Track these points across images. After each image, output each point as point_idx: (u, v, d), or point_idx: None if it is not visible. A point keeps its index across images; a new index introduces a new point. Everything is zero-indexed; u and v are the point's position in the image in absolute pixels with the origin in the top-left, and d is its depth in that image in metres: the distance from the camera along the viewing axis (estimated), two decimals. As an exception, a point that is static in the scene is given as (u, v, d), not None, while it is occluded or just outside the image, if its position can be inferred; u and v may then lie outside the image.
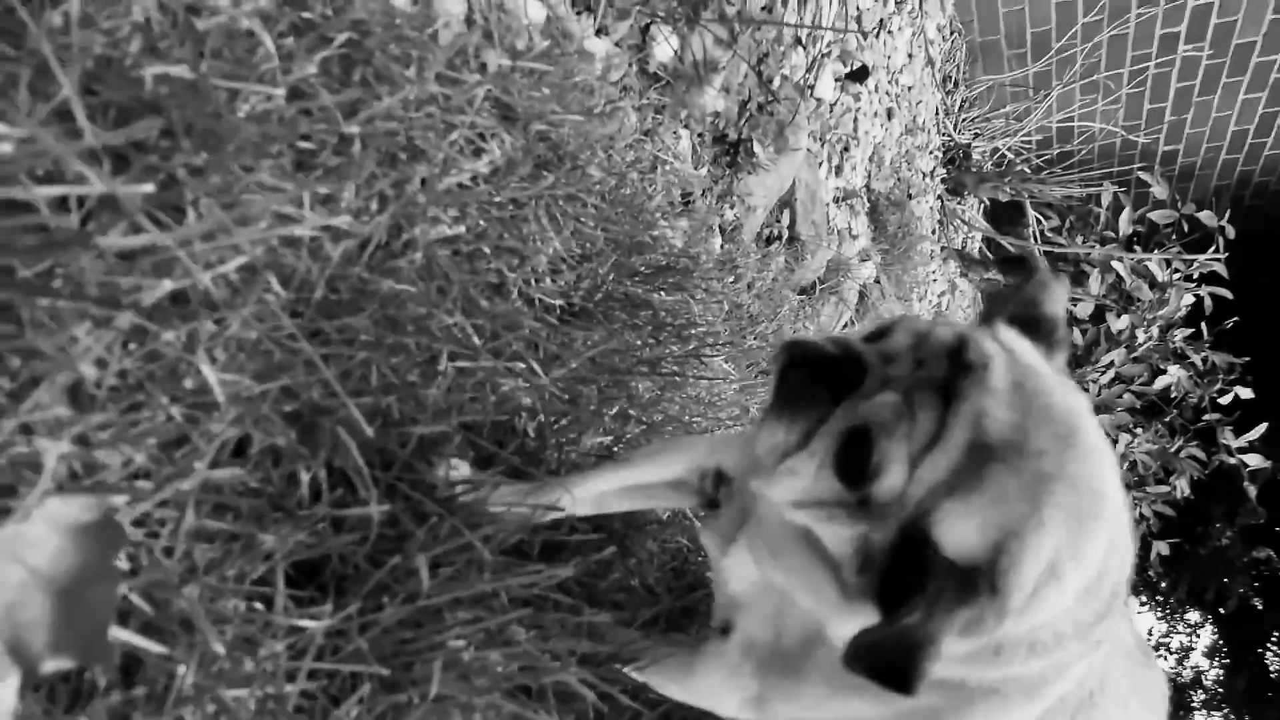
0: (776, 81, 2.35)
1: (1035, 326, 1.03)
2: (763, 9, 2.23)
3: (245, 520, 0.86)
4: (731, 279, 2.23)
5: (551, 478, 1.35)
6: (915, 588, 0.84)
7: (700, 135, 2.18)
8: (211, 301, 0.80)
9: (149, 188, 0.72)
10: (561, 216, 1.42)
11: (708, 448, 1.36)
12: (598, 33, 1.76)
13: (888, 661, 0.83)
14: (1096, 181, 5.26)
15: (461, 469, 1.26)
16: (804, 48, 2.57)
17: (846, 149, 3.19)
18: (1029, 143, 5.14)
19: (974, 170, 4.94)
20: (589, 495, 1.34)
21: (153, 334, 0.75)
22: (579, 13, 1.71)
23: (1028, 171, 5.12)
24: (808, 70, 2.61)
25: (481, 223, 1.27)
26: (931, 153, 4.52)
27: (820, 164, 2.93)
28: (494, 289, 1.29)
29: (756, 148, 2.28)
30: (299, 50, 0.95)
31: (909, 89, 4.00)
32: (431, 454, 1.16)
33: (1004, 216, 5.30)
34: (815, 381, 0.97)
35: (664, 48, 1.91)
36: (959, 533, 0.85)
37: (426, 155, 1.13)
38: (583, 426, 1.45)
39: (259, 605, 0.90)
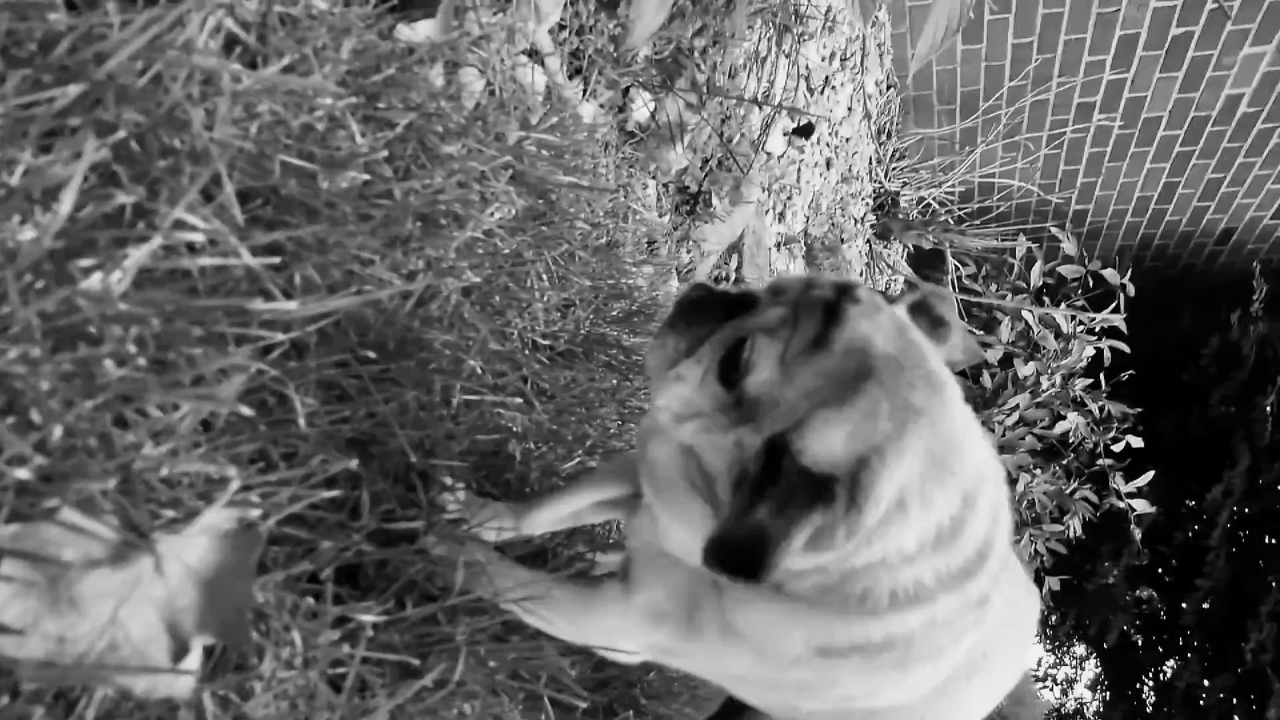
0: (735, 139, 2.58)
1: (924, 314, 1.06)
2: (728, 75, 2.46)
3: (311, 528, 1.03)
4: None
5: (518, 503, 1.44)
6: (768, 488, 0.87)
7: (665, 186, 2.39)
8: (302, 348, 0.98)
9: (275, 260, 0.90)
10: (554, 266, 1.61)
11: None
12: (584, 95, 1.95)
13: (738, 555, 0.85)
14: (1012, 235, 5.63)
15: (459, 493, 1.44)
16: (759, 108, 2.81)
17: (789, 197, 3.45)
18: (952, 194, 5.48)
19: (901, 218, 5.26)
20: (549, 520, 1.43)
21: (261, 373, 0.92)
22: (570, 77, 1.90)
23: (950, 222, 5.46)
24: (761, 129, 2.85)
25: (490, 272, 1.45)
26: (864, 199, 4.82)
27: (766, 212, 3.17)
28: (501, 333, 1.48)
29: (714, 200, 2.50)
30: (370, 134, 1.12)
31: (847, 140, 4.28)
32: (442, 475, 1.34)
33: (926, 262, 5.64)
34: (709, 304, 1.03)
35: (641, 110, 2.12)
36: (826, 442, 0.86)
37: (460, 219, 1.31)
38: (564, 453, 1.64)
39: (311, 600, 1.07)
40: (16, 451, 0.64)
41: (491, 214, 1.45)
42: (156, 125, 0.82)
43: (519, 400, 1.46)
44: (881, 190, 5.15)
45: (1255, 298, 5.99)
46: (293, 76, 0.91)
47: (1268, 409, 5.66)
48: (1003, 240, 5.57)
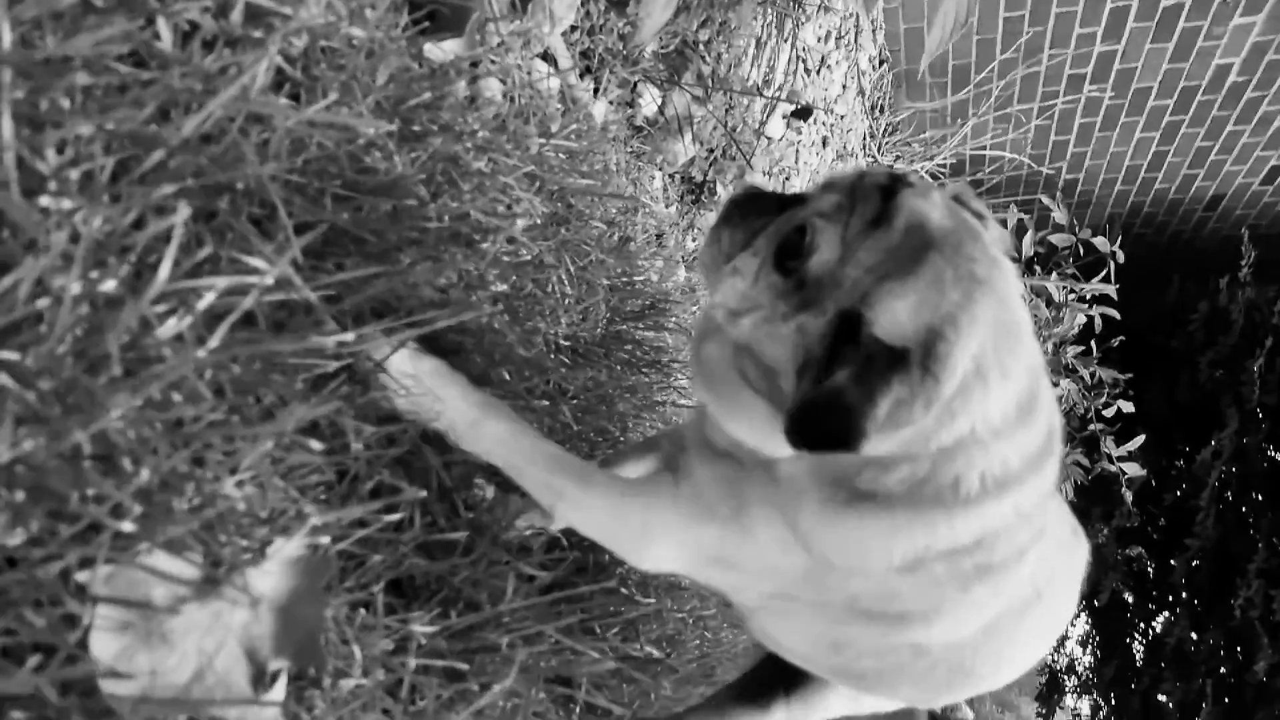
0: (739, 128, 2.60)
1: (962, 206, 1.02)
2: (732, 66, 2.47)
3: (361, 544, 1.07)
4: (694, 306, 2.48)
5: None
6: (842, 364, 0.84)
7: (671, 177, 2.42)
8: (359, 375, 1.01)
9: (328, 293, 0.93)
10: (574, 268, 1.64)
11: (670, 434, 1.43)
12: (595, 93, 1.98)
13: (825, 422, 0.81)
14: (1003, 206, 5.67)
15: (488, 490, 1.48)
16: (761, 95, 2.83)
17: (788, 178, 3.47)
18: (944, 167, 5.50)
19: (895, 191, 5.29)
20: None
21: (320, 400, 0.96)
22: (582, 76, 1.92)
23: (944, 195, 5.49)
24: (763, 115, 2.86)
25: (516, 278, 1.48)
26: (858, 175, 4.84)
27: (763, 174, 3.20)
28: (528, 340, 1.51)
29: (719, 187, 2.53)
30: (403, 154, 1.15)
31: (842, 117, 4.30)
32: (476, 477, 1.38)
33: (920, 235, 5.68)
34: (762, 198, 1.02)
35: (649, 105, 2.15)
36: (895, 314, 0.83)
37: (487, 230, 1.34)
38: (587, 450, 1.68)
39: (364, 611, 1.11)
40: (116, 500, 0.68)
41: (516, 223, 1.47)
42: (217, 165, 0.84)
43: (546, 403, 1.50)
44: (875, 164, 5.18)
45: (1243, 263, 6.05)
46: (341, 113, 0.94)
47: (1255, 372, 5.74)
48: (995, 212, 5.61)
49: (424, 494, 0.94)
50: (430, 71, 1.18)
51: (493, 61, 1.49)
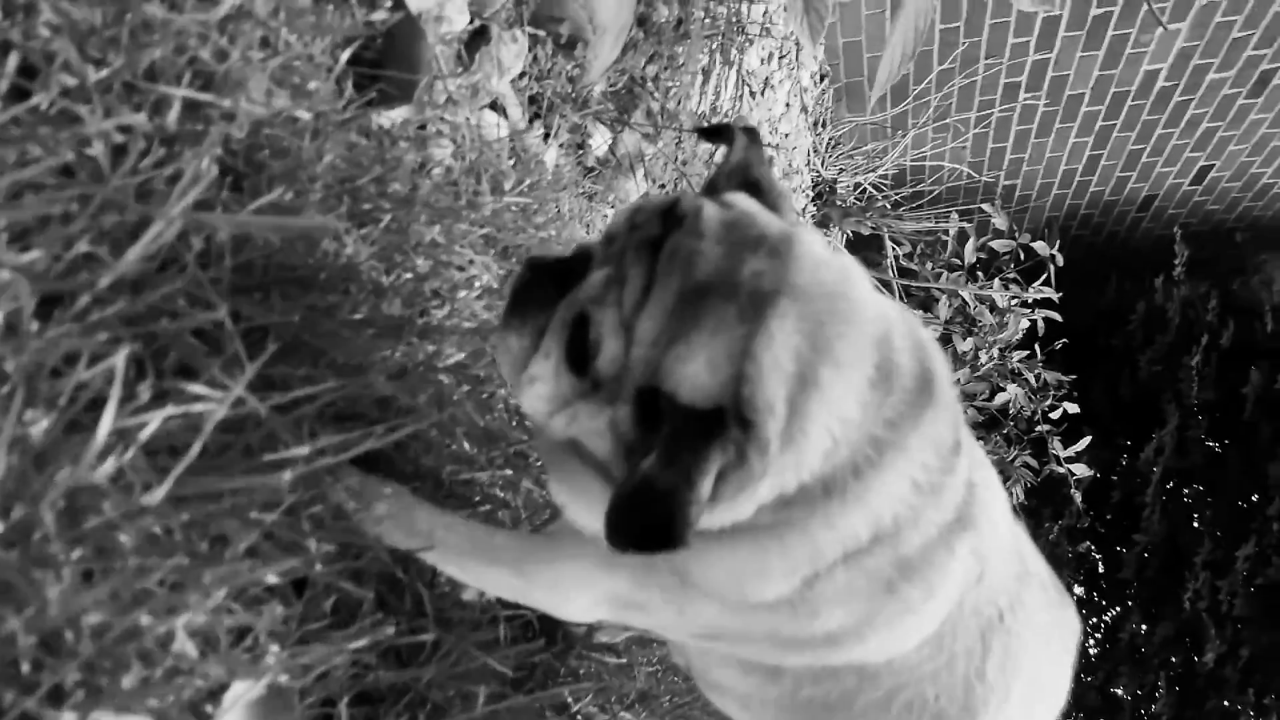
0: (689, 160, 2.57)
1: (753, 190, 0.96)
2: (680, 100, 2.43)
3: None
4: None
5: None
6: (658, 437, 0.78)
7: (623, 213, 2.37)
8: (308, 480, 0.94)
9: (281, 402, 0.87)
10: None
11: None
12: (545, 138, 1.92)
13: (641, 520, 0.73)
14: (945, 215, 5.72)
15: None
16: (708, 123, 2.79)
17: (737, 203, 3.45)
18: (886, 179, 5.54)
19: (839, 204, 5.30)
20: None
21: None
22: (531, 122, 1.87)
23: (887, 207, 5.52)
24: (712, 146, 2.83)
25: (472, 345, 1.42)
26: (803, 191, 4.84)
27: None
28: (486, 405, 1.45)
29: (672, 223, 2.49)
30: (353, 236, 1.09)
31: (786, 135, 4.29)
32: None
33: (865, 246, 5.71)
34: (540, 283, 0.92)
35: (599, 145, 2.10)
36: (691, 378, 0.79)
37: (442, 297, 1.28)
38: (550, 519, 1.62)
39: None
40: (57, 680, 0.61)
41: (472, 288, 1.42)
42: (155, 284, 0.78)
43: (509, 472, 1.44)
44: (819, 179, 5.18)
45: (1177, 262, 6.18)
46: (289, 218, 0.87)
47: (1193, 369, 5.87)
48: (937, 222, 5.66)
49: (372, 595, 0.88)
50: (379, 143, 1.12)
51: (442, 120, 1.43)
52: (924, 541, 0.91)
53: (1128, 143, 5.79)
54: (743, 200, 0.92)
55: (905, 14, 1.93)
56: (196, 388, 0.72)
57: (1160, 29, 4.83)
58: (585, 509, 0.96)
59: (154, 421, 0.72)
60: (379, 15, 0.87)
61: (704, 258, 0.81)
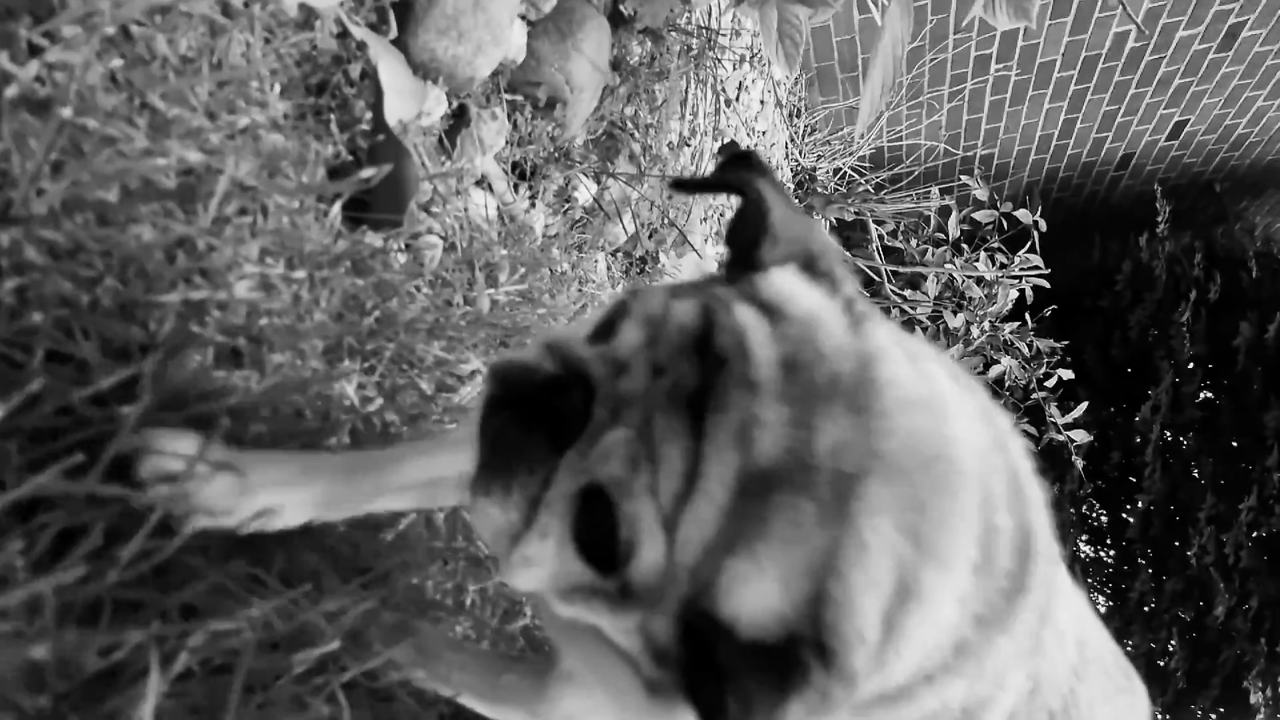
0: (672, 196, 2.53)
1: (803, 262, 0.76)
2: (660, 132, 2.40)
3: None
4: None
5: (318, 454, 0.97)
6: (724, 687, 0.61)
7: (613, 254, 2.34)
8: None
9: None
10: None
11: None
12: (531, 201, 1.89)
13: None
14: (925, 193, 5.70)
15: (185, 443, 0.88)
16: (688, 146, 2.76)
17: (723, 214, 3.42)
18: (865, 161, 5.51)
19: (820, 192, 5.27)
20: (415, 479, 1.00)
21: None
22: (516, 188, 1.83)
23: (870, 191, 5.50)
24: (693, 164, 2.80)
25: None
26: (786, 183, 4.81)
27: (705, 239, 3.14)
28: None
29: (662, 257, 2.46)
30: (360, 371, 1.06)
31: (764, 134, 4.26)
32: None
33: (848, 230, 5.68)
34: (527, 428, 0.70)
35: (585, 195, 2.06)
36: (756, 598, 0.61)
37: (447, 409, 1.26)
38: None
39: None
40: None
41: (475, 380, 1.39)
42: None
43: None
44: (799, 167, 5.15)
45: (1159, 218, 6.19)
46: (298, 394, 0.85)
47: (1183, 325, 5.89)
48: (918, 201, 5.64)
49: None
50: (374, 269, 1.09)
51: (429, 213, 1.40)
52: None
53: (1101, 105, 5.77)
54: (790, 296, 0.70)
55: (883, 46, 1.91)
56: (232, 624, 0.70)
57: (1128, -8, 4.80)
58: (614, 694, 0.78)
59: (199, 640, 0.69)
60: (368, 172, 0.85)
61: (765, 429, 0.61)
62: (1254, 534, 5.54)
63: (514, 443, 0.70)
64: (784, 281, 0.72)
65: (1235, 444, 5.88)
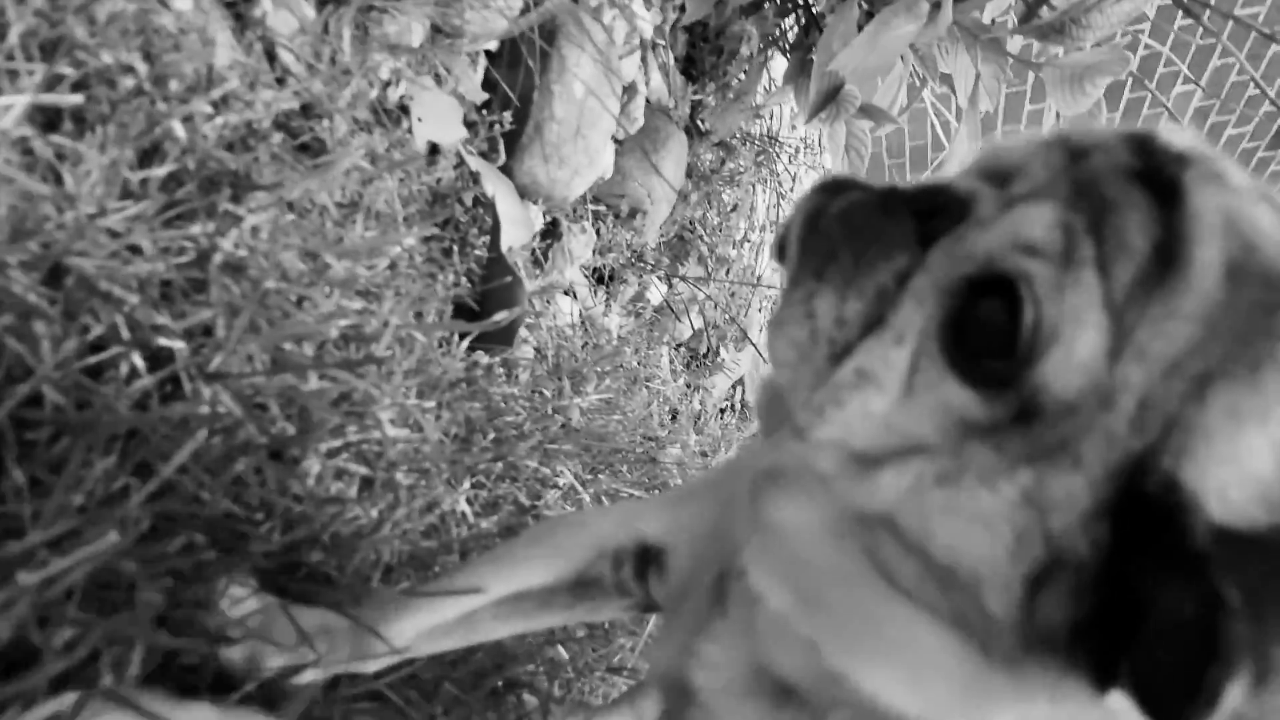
0: (736, 292, 2.62)
1: None
2: (721, 214, 2.50)
3: None
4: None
5: (365, 608, 0.84)
6: (1197, 633, 0.38)
7: (676, 348, 2.43)
8: None
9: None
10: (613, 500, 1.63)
11: (619, 517, 0.85)
12: (607, 304, 1.98)
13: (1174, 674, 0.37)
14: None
15: (246, 596, 0.85)
16: (748, 242, 2.86)
17: (775, 303, 3.50)
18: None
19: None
20: (446, 618, 0.85)
21: None
22: (594, 292, 1.93)
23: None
24: (755, 258, 2.90)
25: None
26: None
27: (760, 329, 3.22)
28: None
29: (723, 353, 2.54)
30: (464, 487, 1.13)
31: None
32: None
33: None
34: (887, 211, 0.51)
35: (655, 296, 2.15)
36: (1246, 459, 0.39)
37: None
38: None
39: None
40: None
41: (558, 488, 1.46)
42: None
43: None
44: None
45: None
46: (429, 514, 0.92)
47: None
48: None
49: None
50: (488, 399, 1.17)
51: (526, 327, 1.48)
52: None
53: None
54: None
55: (968, 118, 1.99)
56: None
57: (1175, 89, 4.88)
58: (895, 669, 0.51)
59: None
60: (500, 315, 0.94)
61: (1262, 229, 0.42)
62: None
63: (861, 221, 0.51)
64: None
65: None
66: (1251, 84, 4.94)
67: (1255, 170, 5.44)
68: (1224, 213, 0.43)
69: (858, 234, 0.51)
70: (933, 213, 0.50)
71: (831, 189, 0.54)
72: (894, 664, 0.51)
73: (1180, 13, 4.66)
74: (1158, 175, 0.44)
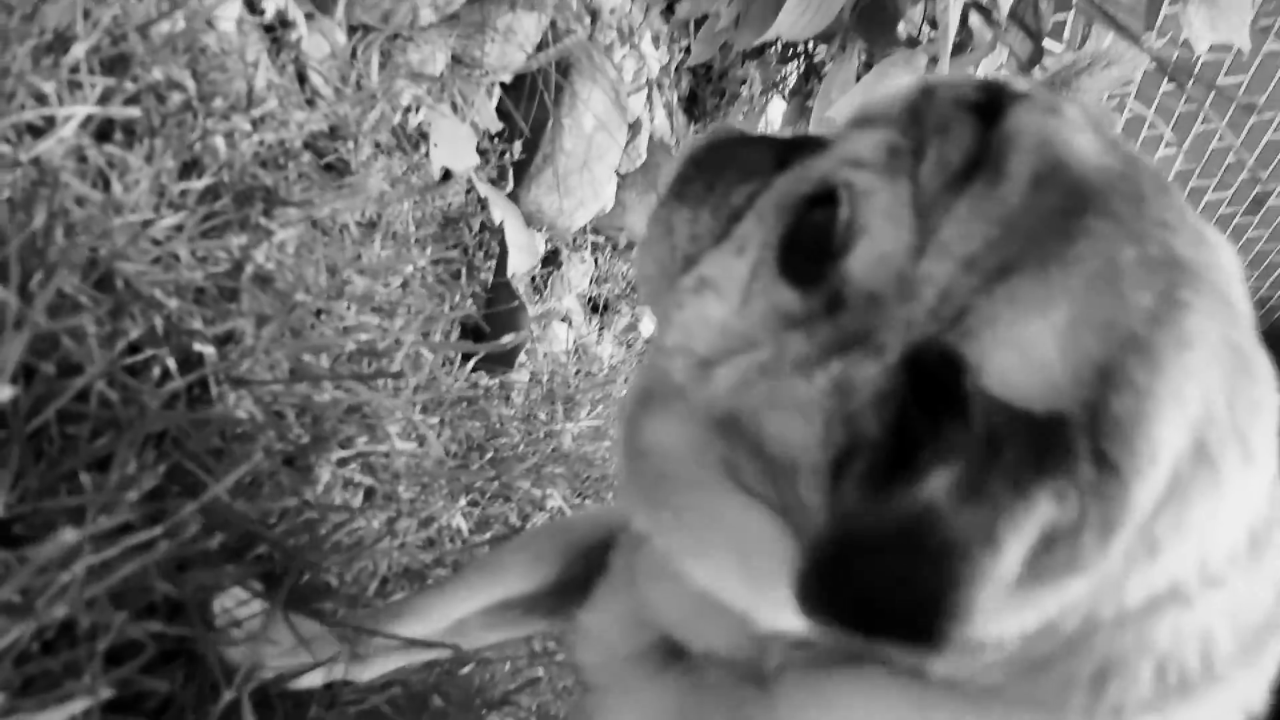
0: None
1: None
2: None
3: None
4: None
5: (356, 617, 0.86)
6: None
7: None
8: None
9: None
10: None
11: (595, 515, 0.89)
12: (600, 332, 2.02)
13: (894, 586, 0.39)
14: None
15: (245, 600, 0.85)
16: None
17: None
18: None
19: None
20: (438, 627, 0.87)
21: None
22: (589, 320, 1.97)
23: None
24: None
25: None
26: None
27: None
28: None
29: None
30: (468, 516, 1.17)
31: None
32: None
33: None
34: (743, 145, 0.59)
35: (648, 327, 2.19)
36: (1028, 345, 0.41)
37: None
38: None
39: None
40: None
41: (546, 509, 1.49)
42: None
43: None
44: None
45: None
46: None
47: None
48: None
49: None
50: (487, 418, 1.20)
51: (524, 351, 1.52)
52: None
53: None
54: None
55: None
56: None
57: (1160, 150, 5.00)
58: (732, 568, 0.53)
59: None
60: (508, 338, 0.97)
61: (1082, 155, 0.45)
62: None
63: (727, 153, 0.58)
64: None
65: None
66: (1232, 152, 5.07)
67: (1232, 236, 5.58)
68: (1040, 133, 0.46)
69: (717, 160, 0.58)
70: (797, 149, 0.56)
71: (707, 139, 0.61)
72: (729, 559, 0.53)
73: (1165, 79, 4.79)
74: (991, 106, 0.49)
